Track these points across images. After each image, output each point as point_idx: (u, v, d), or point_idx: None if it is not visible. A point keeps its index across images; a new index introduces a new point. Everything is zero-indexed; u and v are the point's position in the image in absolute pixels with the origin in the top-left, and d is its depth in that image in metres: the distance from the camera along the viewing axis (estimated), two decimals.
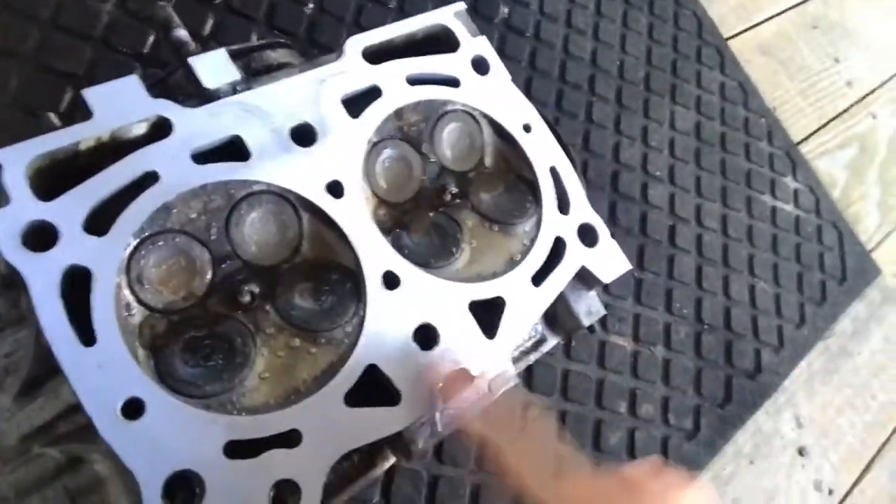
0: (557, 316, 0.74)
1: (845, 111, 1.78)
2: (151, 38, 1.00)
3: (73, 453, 0.56)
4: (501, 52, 1.24)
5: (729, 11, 1.74)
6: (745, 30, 1.74)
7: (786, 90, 1.71)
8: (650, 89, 1.46)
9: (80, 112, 0.58)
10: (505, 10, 1.35)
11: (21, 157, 0.54)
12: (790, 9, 1.86)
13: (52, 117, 0.69)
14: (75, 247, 0.52)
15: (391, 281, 0.62)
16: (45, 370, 0.57)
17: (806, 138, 1.67)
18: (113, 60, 0.97)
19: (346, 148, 0.66)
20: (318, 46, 1.12)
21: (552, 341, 0.75)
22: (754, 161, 1.53)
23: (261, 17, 1.09)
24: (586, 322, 0.72)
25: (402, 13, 1.23)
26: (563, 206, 0.74)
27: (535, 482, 0.55)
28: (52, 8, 0.97)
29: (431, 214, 0.71)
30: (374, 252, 0.63)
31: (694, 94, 1.52)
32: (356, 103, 0.68)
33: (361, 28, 1.15)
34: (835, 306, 1.46)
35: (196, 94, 0.63)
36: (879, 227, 1.66)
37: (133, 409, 0.49)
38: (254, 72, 0.69)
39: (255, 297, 0.58)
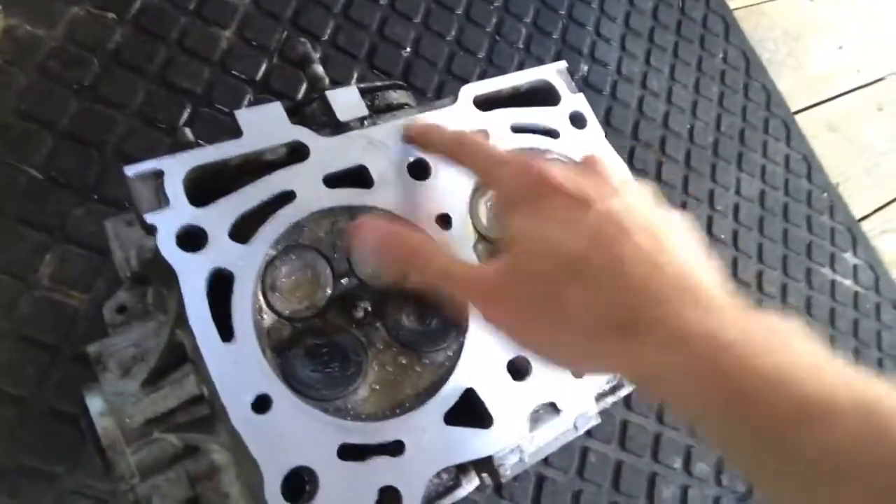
0: None
1: None
2: (264, 66, 1.08)
3: (190, 442, 0.61)
4: None
5: (797, 86, 1.78)
6: (813, 105, 1.78)
7: (850, 167, 1.74)
8: (718, 155, 1.50)
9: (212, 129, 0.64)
10: (585, 67, 1.42)
11: (179, 167, 0.60)
12: (857, 89, 1.90)
13: (187, 132, 0.76)
14: (221, 251, 0.57)
15: None
16: (172, 362, 0.62)
17: (867, 216, 1.69)
18: (228, 83, 1.05)
19: (455, 185, 0.71)
20: (411, 87, 1.19)
21: (628, 387, 0.77)
22: (815, 233, 1.54)
23: (363, 56, 1.17)
24: None
25: (491, 63, 1.30)
26: None
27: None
28: (179, 31, 1.05)
29: None
30: None
31: (759, 164, 1.56)
32: None
33: (452, 73, 1.22)
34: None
35: (328, 125, 0.68)
36: None
37: (262, 404, 0.54)
38: (376, 109, 0.75)
39: (367, 314, 0.62)
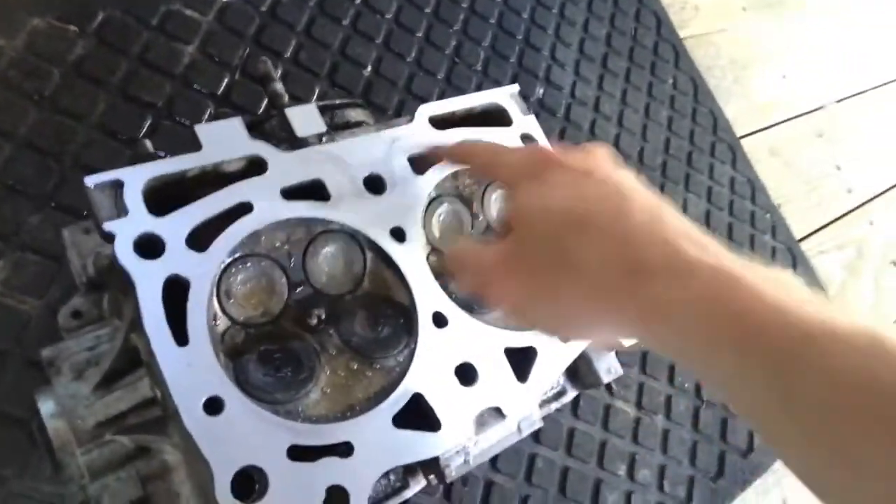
0: (579, 371, 0.81)
1: (844, 215, 1.89)
2: (226, 81, 1.10)
3: (142, 443, 0.62)
4: None
5: (742, 112, 1.87)
6: (757, 131, 1.87)
7: (791, 190, 1.83)
8: (666, 176, 1.57)
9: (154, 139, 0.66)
10: (540, 90, 1.47)
11: (139, 177, 0.62)
12: (800, 115, 2.00)
13: (147, 144, 0.78)
14: (178, 259, 0.59)
15: (440, 320, 0.69)
16: (126, 365, 0.64)
17: (806, 236, 1.77)
18: (189, 97, 1.07)
19: (409, 199, 0.74)
20: (372, 105, 1.23)
21: (571, 393, 0.81)
22: (758, 253, 1.62)
23: (324, 74, 1.20)
24: (606, 379, 0.79)
25: (449, 84, 1.35)
26: None
27: None
28: (142, 45, 1.07)
29: None
30: (427, 293, 0.70)
31: (706, 185, 1.63)
32: (421, 162, 0.77)
33: (411, 93, 1.26)
34: None
35: (287, 140, 0.71)
36: None
37: (214, 406, 0.55)
38: (335, 126, 0.78)
39: (321, 321, 0.65)
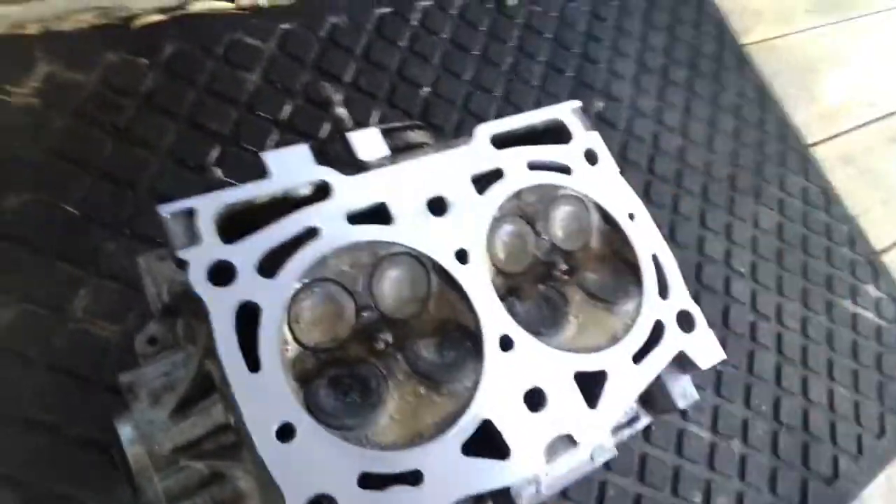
0: (652, 396, 0.77)
1: None
2: (289, 107, 1.13)
3: (216, 469, 0.63)
4: None
5: (812, 120, 1.80)
6: (829, 138, 1.79)
7: (868, 199, 1.74)
8: (735, 188, 1.51)
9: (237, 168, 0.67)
10: (600, 104, 1.45)
11: (211, 205, 0.63)
12: (873, 121, 1.91)
13: (218, 171, 0.79)
14: (249, 285, 0.60)
15: (506, 344, 0.68)
16: (200, 391, 0.64)
17: (888, 248, 1.68)
18: (254, 124, 1.10)
19: (472, 220, 0.73)
20: (431, 125, 1.23)
21: (645, 420, 0.78)
22: (836, 266, 1.54)
23: (383, 96, 1.21)
24: (681, 405, 0.75)
25: (507, 102, 1.34)
26: (664, 291, 0.79)
27: None
28: (208, 75, 1.10)
29: (541, 287, 0.77)
30: (493, 316, 0.69)
31: (777, 196, 1.57)
32: (483, 182, 0.76)
33: (469, 112, 1.26)
34: None
35: (351, 164, 0.71)
36: None
37: (286, 432, 0.55)
38: (396, 149, 0.78)
39: (388, 345, 0.64)
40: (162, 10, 1.14)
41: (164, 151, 1.01)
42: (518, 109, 1.34)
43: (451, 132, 1.25)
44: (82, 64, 1.02)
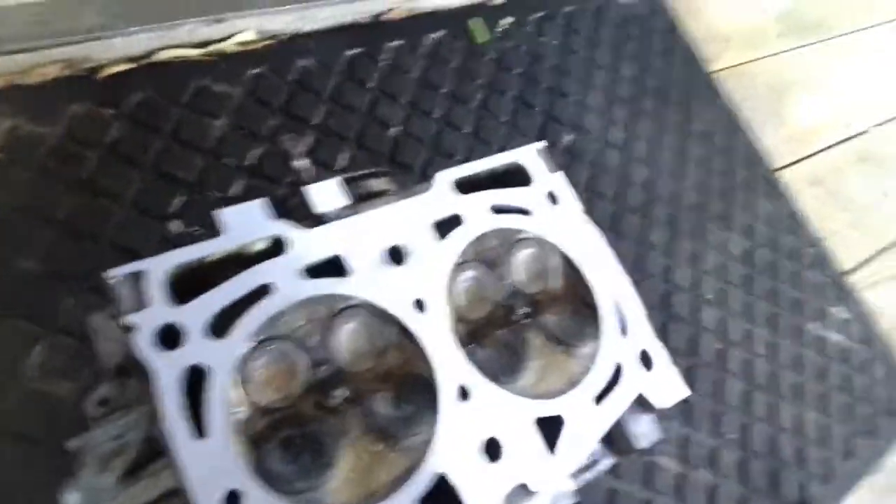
0: (613, 437, 0.78)
1: (895, 244, 1.81)
2: (257, 152, 1.13)
3: None
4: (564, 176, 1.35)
5: (782, 142, 1.83)
6: (798, 160, 1.82)
7: (836, 221, 1.76)
8: (704, 216, 1.53)
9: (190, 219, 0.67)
10: (569, 137, 1.47)
11: (160, 267, 0.63)
12: (839, 143, 1.94)
13: (176, 225, 0.80)
14: (198, 347, 0.60)
15: (464, 393, 0.68)
16: (150, 454, 0.64)
17: (855, 268, 1.70)
18: (220, 171, 1.10)
19: (432, 268, 0.74)
20: (400, 165, 1.24)
21: (607, 461, 0.78)
22: (804, 290, 1.56)
23: (352, 137, 1.22)
24: (643, 444, 0.75)
25: (477, 138, 1.35)
26: (626, 330, 0.80)
27: None
28: (174, 122, 1.11)
29: (502, 332, 0.78)
30: (451, 365, 0.69)
31: (745, 223, 1.59)
32: (443, 228, 0.77)
33: (439, 150, 1.27)
34: (885, 440, 1.44)
35: (309, 217, 0.72)
36: None
37: (233, 500, 0.55)
38: (357, 196, 0.78)
39: (343, 401, 0.64)
40: (129, 59, 1.14)
41: (129, 202, 1.01)
42: (488, 146, 1.36)
43: (420, 171, 1.26)
44: (46, 116, 1.02)
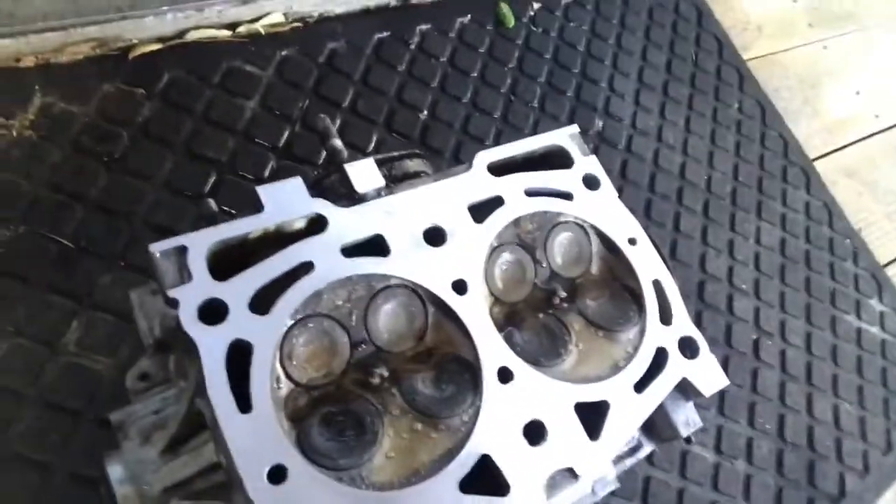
0: (655, 424, 0.76)
1: None
2: (287, 134, 1.12)
3: None
4: None
5: (814, 134, 1.79)
6: (831, 152, 1.78)
7: (871, 213, 1.72)
8: (736, 204, 1.50)
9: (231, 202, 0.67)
10: (600, 123, 1.44)
11: (202, 242, 0.62)
12: (875, 134, 1.90)
13: (212, 203, 0.79)
14: (241, 323, 0.59)
15: (505, 375, 0.67)
16: (192, 429, 0.63)
17: (893, 261, 1.66)
18: (252, 151, 1.10)
19: (470, 250, 0.72)
20: (429, 149, 1.22)
21: (648, 448, 0.77)
22: (839, 281, 1.53)
23: (381, 121, 1.21)
24: (684, 432, 0.74)
25: (506, 123, 1.33)
26: (665, 317, 0.78)
27: None
28: (205, 103, 1.10)
29: (541, 316, 0.76)
30: (491, 347, 0.67)
31: (779, 212, 1.56)
32: (481, 210, 0.75)
33: (468, 134, 1.26)
34: None
35: (347, 196, 0.71)
36: None
37: (278, 474, 0.54)
38: (393, 178, 0.77)
39: (383, 380, 0.63)
40: (159, 40, 1.14)
41: (161, 181, 1.01)
42: (517, 130, 1.34)
43: (450, 156, 1.25)
44: (79, 95, 1.02)
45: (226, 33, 1.19)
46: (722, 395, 1.22)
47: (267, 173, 1.07)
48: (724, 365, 1.27)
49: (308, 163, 1.10)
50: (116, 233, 0.94)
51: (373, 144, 1.19)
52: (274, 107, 1.14)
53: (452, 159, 1.22)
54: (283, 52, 1.19)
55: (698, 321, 1.29)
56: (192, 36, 1.16)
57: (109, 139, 1.00)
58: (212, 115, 1.09)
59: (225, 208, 0.94)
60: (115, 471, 0.63)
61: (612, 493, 1.03)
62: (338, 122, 1.17)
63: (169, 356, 0.72)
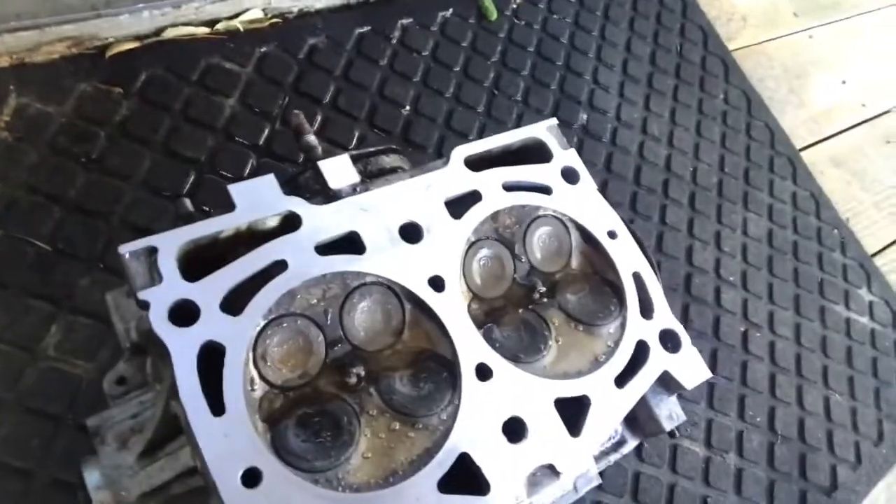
0: (638, 419, 0.76)
1: None
2: (267, 131, 1.11)
3: None
4: (579, 155, 1.32)
5: (800, 124, 1.79)
6: (818, 142, 1.78)
7: (859, 202, 1.72)
8: (723, 195, 1.50)
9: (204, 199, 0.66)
10: (584, 116, 1.44)
11: (173, 243, 0.61)
12: (862, 123, 1.90)
13: (187, 203, 0.78)
14: (213, 324, 0.58)
15: (484, 373, 0.66)
16: (168, 433, 0.63)
17: (881, 250, 1.66)
18: (231, 150, 1.08)
19: (447, 246, 0.72)
20: (412, 144, 1.22)
21: (632, 443, 0.76)
22: (827, 271, 1.53)
23: (363, 116, 1.20)
24: (668, 426, 0.73)
25: (490, 117, 1.33)
26: (646, 310, 0.77)
27: None
28: (183, 101, 1.09)
29: (521, 311, 0.75)
30: (469, 344, 0.67)
31: (766, 203, 1.55)
32: (458, 206, 0.75)
33: (451, 129, 1.25)
34: None
35: (321, 193, 0.70)
36: None
37: (252, 478, 0.54)
38: (369, 174, 0.76)
39: (360, 380, 0.62)
40: (136, 38, 1.13)
41: (139, 181, 1.00)
42: (501, 124, 1.33)
43: (433, 151, 1.24)
44: (54, 95, 1.01)
45: (204, 30, 1.18)
46: (711, 388, 1.22)
47: (247, 172, 1.06)
48: (713, 358, 1.26)
49: (289, 161, 1.09)
50: (95, 234, 0.93)
51: (354, 141, 1.18)
52: (253, 104, 1.12)
53: (435, 154, 1.21)
54: (263, 49, 1.18)
55: (685, 314, 1.29)
56: (170, 33, 1.15)
57: (86, 139, 0.99)
58: (190, 113, 1.08)
59: (205, 208, 0.93)
60: (91, 477, 0.62)
61: (602, 490, 1.03)
62: (319, 118, 1.16)
63: (146, 359, 0.71)
